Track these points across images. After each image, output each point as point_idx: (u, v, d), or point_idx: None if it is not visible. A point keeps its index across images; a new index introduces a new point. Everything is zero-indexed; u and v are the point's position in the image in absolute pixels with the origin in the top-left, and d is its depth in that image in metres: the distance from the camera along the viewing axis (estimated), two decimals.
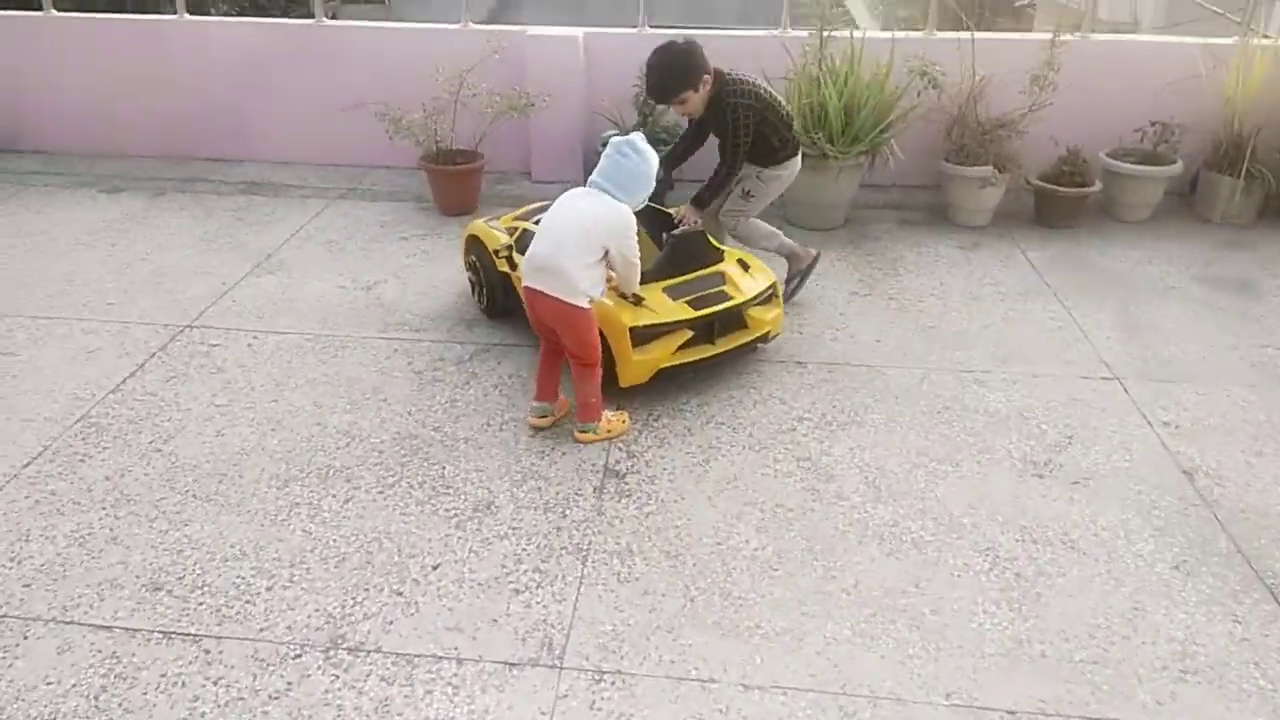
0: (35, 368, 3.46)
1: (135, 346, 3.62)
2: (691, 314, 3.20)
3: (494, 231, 3.69)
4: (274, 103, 5.63)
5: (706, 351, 3.29)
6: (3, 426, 3.10)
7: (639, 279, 3.03)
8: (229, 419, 3.16)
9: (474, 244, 3.80)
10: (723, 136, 3.63)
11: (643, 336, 3.14)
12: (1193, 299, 4.14)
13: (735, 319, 3.34)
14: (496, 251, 3.57)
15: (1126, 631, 2.33)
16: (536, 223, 3.49)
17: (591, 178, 2.86)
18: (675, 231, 3.50)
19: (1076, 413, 3.25)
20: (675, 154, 3.93)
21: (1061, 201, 4.87)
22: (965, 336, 3.78)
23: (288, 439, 3.05)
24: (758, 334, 3.41)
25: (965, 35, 4.91)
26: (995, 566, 2.53)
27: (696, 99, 3.55)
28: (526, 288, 2.91)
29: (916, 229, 4.93)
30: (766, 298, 3.44)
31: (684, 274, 3.33)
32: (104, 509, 2.71)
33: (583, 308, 2.84)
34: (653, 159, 2.84)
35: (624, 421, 3.09)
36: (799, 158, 3.84)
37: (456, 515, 2.71)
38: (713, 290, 3.31)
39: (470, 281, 3.96)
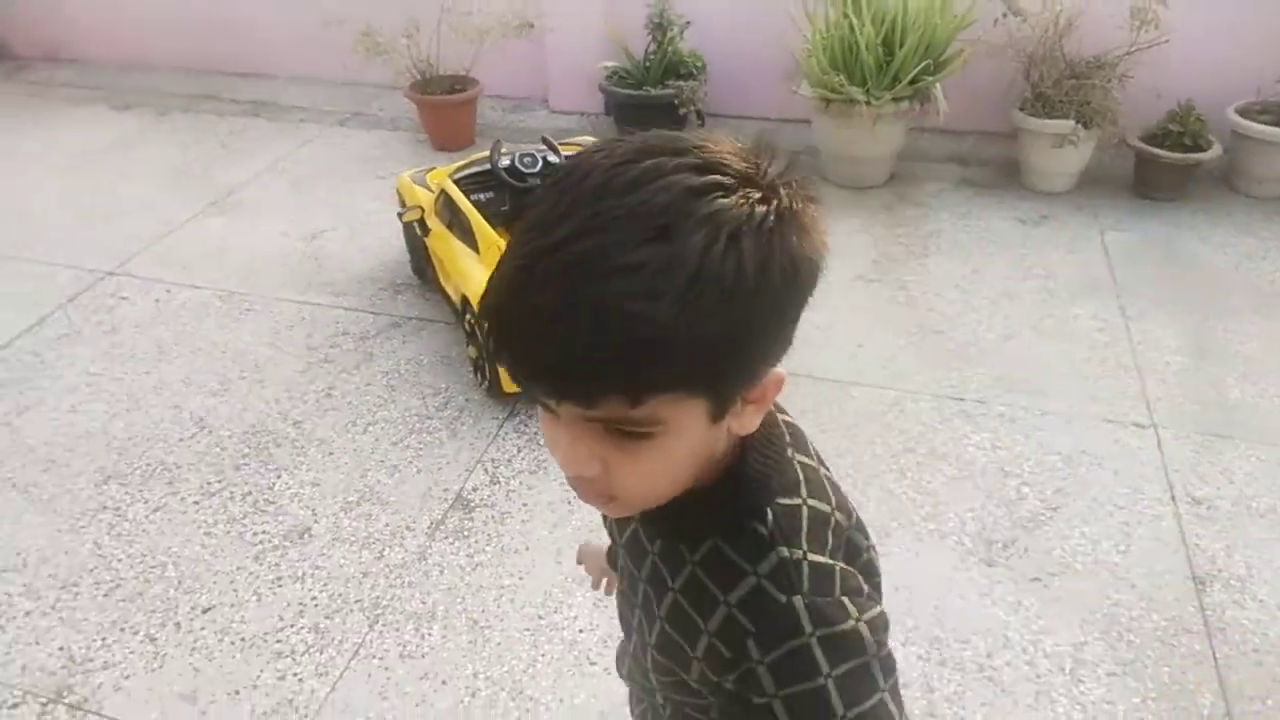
0: None
1: (50, 294, 3.41)
2: None
3: (415, 188, 3.21)
4: (287, 11, 5.26)
5: None
6: None
7: None
8: (92, 392, 2.90)
9: (399, 198, 3.36)
10: None
11: None
12: None
13: None
14: (400, 214, 3.10)
15: None
16: (463, 182, 3.00)
17: None
18: None
19: (1078, 473, 2.51)
20: None
21: (1164, 169, 3.87)
22: (974, 349, 3.03)
23: (136, 423, 2.76)
24: None
25: None
26: None
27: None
28: None
29: (977, 192, 4.08)
30: None
31: None
32: None
33: None
34: None
35: None
36: None
37: (262, 543, 2.35)
38: None
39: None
